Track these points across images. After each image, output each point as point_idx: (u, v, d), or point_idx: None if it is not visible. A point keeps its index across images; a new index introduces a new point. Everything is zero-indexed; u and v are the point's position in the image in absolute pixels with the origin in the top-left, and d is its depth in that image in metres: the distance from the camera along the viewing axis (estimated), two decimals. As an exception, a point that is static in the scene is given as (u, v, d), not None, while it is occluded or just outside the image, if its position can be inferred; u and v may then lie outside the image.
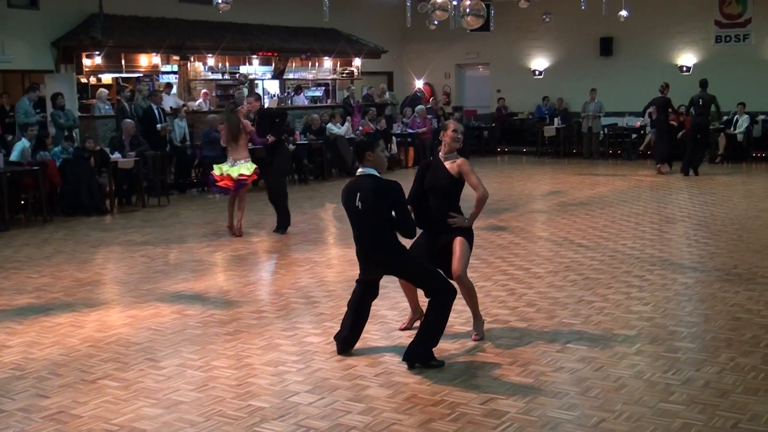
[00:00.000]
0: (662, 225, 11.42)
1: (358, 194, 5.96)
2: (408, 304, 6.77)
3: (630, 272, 8.59)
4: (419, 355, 5.79)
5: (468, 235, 6.43)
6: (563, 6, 20.46)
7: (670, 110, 17.81)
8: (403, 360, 5.83)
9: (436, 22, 14.99)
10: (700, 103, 16.98)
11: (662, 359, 5.84)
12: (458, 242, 6.31)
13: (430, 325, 5.88)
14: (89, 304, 7.86)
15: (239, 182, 10.99)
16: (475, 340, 6.37)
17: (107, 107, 16.97)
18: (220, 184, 11.09)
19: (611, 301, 7.48)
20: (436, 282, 5.96)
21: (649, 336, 6.40)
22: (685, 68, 21.51)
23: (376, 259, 6.01)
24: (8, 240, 11.38)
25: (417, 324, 6.53)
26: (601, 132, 21.54)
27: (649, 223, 11.58)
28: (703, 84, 16.97)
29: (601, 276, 8.46)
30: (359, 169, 6.11)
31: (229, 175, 10.99)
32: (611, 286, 8.04)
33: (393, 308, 7.40)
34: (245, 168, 11.04)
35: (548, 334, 6.49)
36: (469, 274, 8.51)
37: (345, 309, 7.01)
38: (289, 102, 21.51)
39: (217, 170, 11.16)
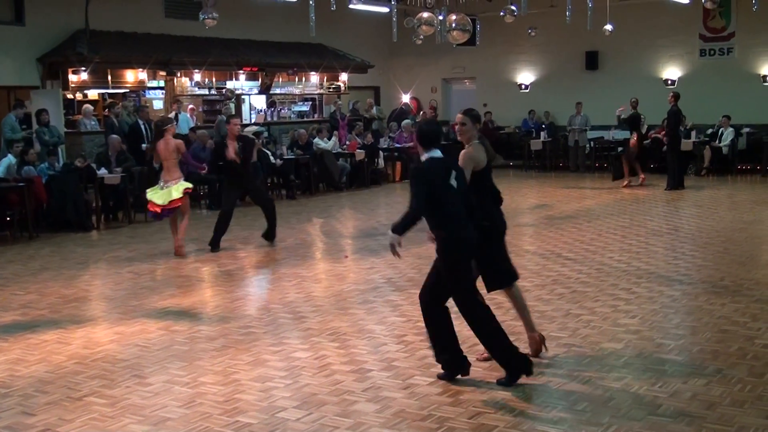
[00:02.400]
0: (649, 238, 11.46)
1: (453, 172, 5.76)
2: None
3: (617, 285, 8.62)
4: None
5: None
6: (548, 20, 20.58)
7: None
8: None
9: (422, 37, 15.05)
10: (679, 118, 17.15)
11: (649, 372, 5.85)
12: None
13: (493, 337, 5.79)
14: (76, 320, 7.81)
15: (167, 210, 10.76)
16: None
17: (93, 123, 16.96)
18: (150, 208, 10.89)
19: (598, 314, 7.49)
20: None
21: (636, 349, 6.41)
22: (670, 81, 21.63)
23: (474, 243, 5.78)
24: (-6, 257, 11.33)
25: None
26: (588, 145, 21.63)
27: (635, 236, 11.62)
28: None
29: (588, 289, 8.48)
30: (428, 154, 5.80)
31: (152, 201, 10.77)
32: (598, 299, 8.06)
33: (381, 323, 7.39)
34: (175, 190, 10.71)
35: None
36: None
37: (333, 324, 7.04)
38: (275, 117, 21.55)
39: (149, 193, 10.93)
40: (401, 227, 5.66)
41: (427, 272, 6.07)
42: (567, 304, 7.90)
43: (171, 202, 10.71)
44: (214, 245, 11.27)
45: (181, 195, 10.77)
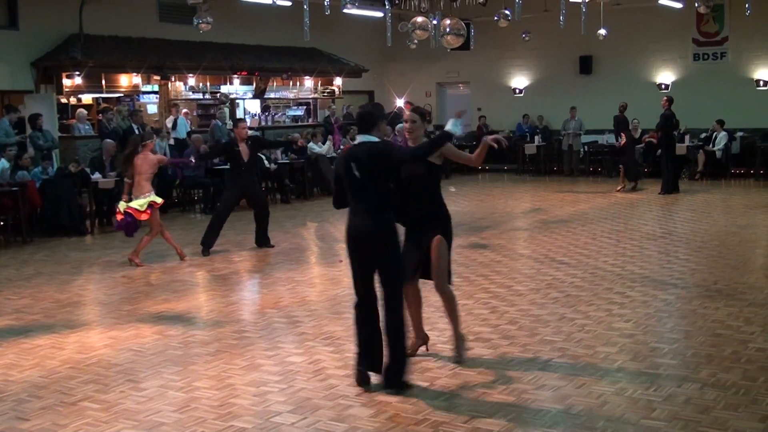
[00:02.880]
0: (643, 242, 11.48)
1: (354, 163, 5.67)
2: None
3: (611, 289, 8.63)
4: (400, 374, 5.70)
5: (446, 233, 6.25)
6: (542, 25, 20.61)
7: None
8: (388, 388, 5.67)
9: (416, 42, 15.08)
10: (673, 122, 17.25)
11: (644, 376, 5.86)
12: (435, 247, 6.13)
13: (399, 333, 5.71)
14: (69, 325, 7.80)
15: (128, 219, 10.43)
16: (456, 361, 6.27)
17: (87, 127, 16.92)
18: (118, 217, 10.62)
19: (593, 318, 7.50)
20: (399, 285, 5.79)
21: (630, 353, 6.42)
22: (663, 86, 21.68)
23: (369, 231, 5.64)
24: (-13, 261, 11.31)
25: (422, 349, 6.46)
26: (582, 150, 21.68)
27: (629, 240, 11.64)
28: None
29: (582, 293, 8.49)
30: (359, 137, 5.84)
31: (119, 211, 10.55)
32: (592, 303, 8.07)
33: (375, 327, 7.38)
34: (137, 203, 10.41)
35: (530, 352, 6.50)
36: (451, 293, 8.56)
37: (327, 328, 7.03)
38: (269, 122, 21.56)
39: (119, 205, 10.66)
40: None
41: None
42: (561, 308, 7.91)
43: (133, 210, 10.36)
44: (207, 246, 11.26)
45: (143, 209, 10.41)
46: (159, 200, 10.76)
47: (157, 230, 10.72)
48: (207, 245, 11.32)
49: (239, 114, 21.19)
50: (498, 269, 9.85)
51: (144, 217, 10.46)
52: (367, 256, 5.69)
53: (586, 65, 22.72)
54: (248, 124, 20.40)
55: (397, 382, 5.67)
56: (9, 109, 15.37)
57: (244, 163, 11.40)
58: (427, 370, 6.07)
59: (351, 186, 5.72)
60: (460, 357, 6.31)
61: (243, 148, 11.37)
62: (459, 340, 6.40)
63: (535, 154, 22.25)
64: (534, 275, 9.45)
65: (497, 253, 11.00)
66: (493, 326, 7.29)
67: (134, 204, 10.39)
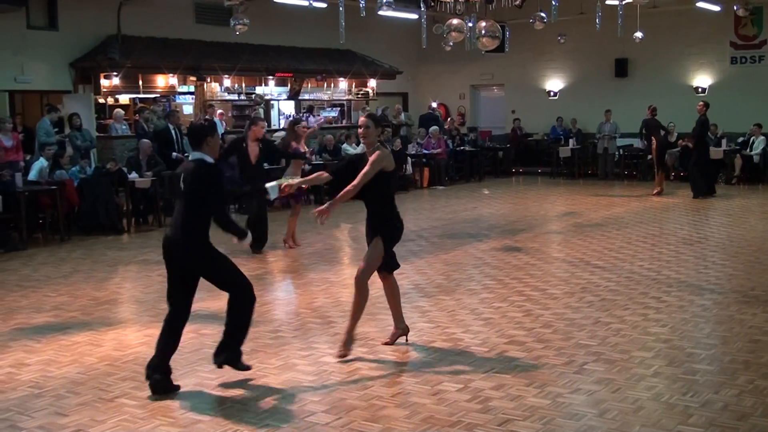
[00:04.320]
0: (679, 246, 11.38)
1: (182, 175, 5.91)
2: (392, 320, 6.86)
3: (647, 293, 8.57)
4: (228, 358, 6.01)
5: (385, 235, 6.56)
6: (578, 27, 20.51)
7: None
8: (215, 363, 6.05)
9: (451, 44, 15.06)
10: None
11: (680, 381, 5.81)
12: (372, 244, 6.56)
13: (236, 329, 6.01)
14: (107, 322, 7.90)
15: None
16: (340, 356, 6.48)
17: (124, 127, 17.10)
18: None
19: (628, 322, 7.45)
20: (236, 285, 6.02)
21: (666, 358, 6.37)
22: (700, 89, 21.48)
23: (176, 245, 5.85)
24: (27, 259, 11.46)
25: (401, 339, 6.75)
26: (617, 153, 21.54)
27: (665, 244, 11.55)
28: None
29: (617, 297, 8.43)
30: (192, 154, 6.03)
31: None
32: (628, 307, 8.01)
33: (409, 328, 7.39)
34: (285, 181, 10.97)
35: (565, 356, 6.47)
36: (485, 295, 8.58)
37: (361, 329, 7.02)
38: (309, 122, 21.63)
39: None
40: None
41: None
42: (596, 312, 7.86)
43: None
44: (258, 247, 11.20)
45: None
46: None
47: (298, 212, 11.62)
48: (258, 247, 11.23)
49: (273, 115, 21.33)
50: (532, 272, 9.81)
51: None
52: (176, 265, 5.92)
53: (621, 68, 22.59)
54: (282, 126, 20.61)
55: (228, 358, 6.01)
56: (50, 108, 15.57)
57: (250, 164, 11.20)
58: (461, 372, 6.07)
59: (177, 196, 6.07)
60: (345, 353, 6.51)
61: (252, 148, 11.18)
62: (349, 339, 6.58)
63: (569, 157, 22.13)
64: (568, 279, 9.41)
65: (531, 256, 10.96)
66: (527, 329, 7.27)
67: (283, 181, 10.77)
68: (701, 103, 17.26)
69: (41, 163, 13.52)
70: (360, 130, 6.56)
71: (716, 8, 19.14)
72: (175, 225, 5.93)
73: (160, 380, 5.77)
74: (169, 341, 5.89)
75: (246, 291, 6.02)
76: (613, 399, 5.48)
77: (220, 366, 6.05)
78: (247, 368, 6.10)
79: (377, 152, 6.50)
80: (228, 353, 6.03)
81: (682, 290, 8.70)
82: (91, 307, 8.53)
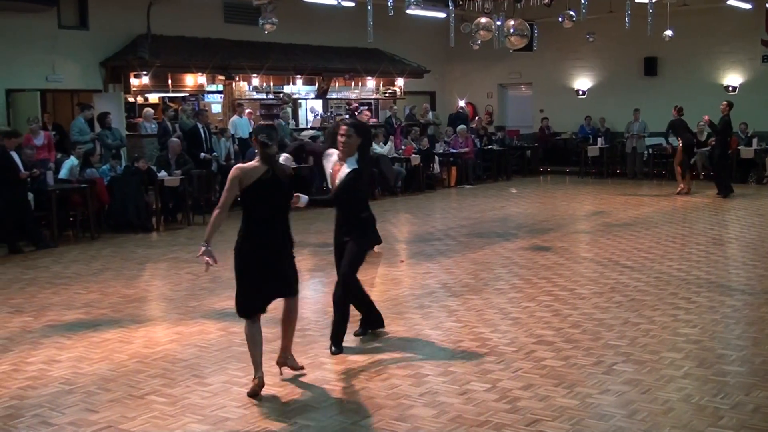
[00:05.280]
0: (709, 246, 11.28)
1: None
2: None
3: (676, 294, 8.50)
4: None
5: (360, 239, 6.66)
6: (607, 26, 20.37)
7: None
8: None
9: (479, 42, 15.02)
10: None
11: (711, 383, 5.76)
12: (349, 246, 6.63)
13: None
14: (136, 320, 7.96)
15: None
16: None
17: (153, 126, 17.22)
18: None
19: (657, 323, 7.40)
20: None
21: (696, 359, 6.32)
22: (731, 88, 21.27)
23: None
24: (58, 256, 11.58)
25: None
26: (646, 152, 21.38)
27: (695, 244, 11.45)
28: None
29: (647, 297, 8.37)
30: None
31: None
32: (657, 307, 7.96)
33: (436, 328, 7.40)
34: None
35: (594, 356, 6.43)
36: (513, 295, 8.56)
37: (389, 328, 7.04)
38: (332, 121, 21.67)
39: None
40: None
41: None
42: (625, 312, 7.81)
43: None
44: None
45: None
46: None
47: None
48: None
49: (301, 114, 21.40)
50: (560, 272, 9.77)
51: None
52: None
53: (650, 67, 22.42)
54: (311, 125, 20.71)
55: None
56: (84, 107, 15.72)
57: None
58: (489, 372, 6.06)
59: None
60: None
61: None
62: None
63: (597, 156, 22.00)
64: (597, 279, 9.36)
65: (560, 255, 10.91)
66: (555, 329, 7.24)
67: None
68: (724, 102, 17.14)
69: (72, 161, 13.66)
70: (340, 138, 6.56)
71: (747, 6, 18.94)
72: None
73: None
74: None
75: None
76: (643, 400, 5.45)
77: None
78: (301, 368, 6.25)
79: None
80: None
81: (712, 291, 8.63)
82: (121, 305, 8.60)
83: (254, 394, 5.67)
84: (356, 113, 11.58)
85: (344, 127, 6.59)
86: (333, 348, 6.68)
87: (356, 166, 6.60)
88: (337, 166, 6.65)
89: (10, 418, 5.40)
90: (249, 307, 5.89)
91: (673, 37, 18.42)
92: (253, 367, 5.76)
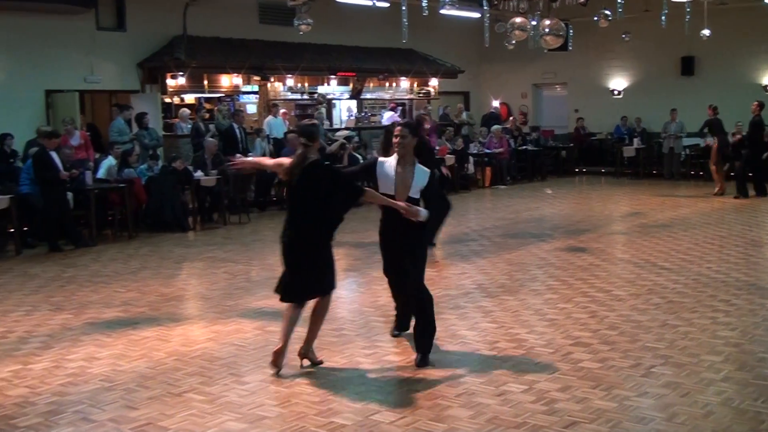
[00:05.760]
0: (748, 248, 11.15)
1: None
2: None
3: (715, 296, 8.41)
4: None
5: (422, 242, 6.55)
6: (643, 25, 20.20)
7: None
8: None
9: (513, 42, 14.95)
10: None
11: (751, 386, 5.69)
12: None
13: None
14: (174, 318, 8.04)
15: None
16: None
17: (189, 126, 17.36)
18: None
19: (696, 325, 7.32)
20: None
21: (737, 362, 6.24)
22: (769, 88, 21.01)
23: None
24: (96, 255, 11.72)
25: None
26: (683, 153, 21.17)
27: (734, 246, 11.31)
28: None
29: (685, 300, 8.29)
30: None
31: None
32: (696, 310, 7.87)
33: (472, 329, 7.39)
34: None
35: (632, 358, 6.38)
36: (549, 296, 8.52)
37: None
38: (366, 121, 21.72)
39: None
40: None
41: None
42: (663, 314, 7.74)
43: None
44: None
45: None
46: None
47: None
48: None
49: (335, 114, 21.44)
50: (597, 273, 9.71)
51: None
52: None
53: (688, 66, 22.19)
54: (345, 125, 20.76)
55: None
56: (123, 107, 15.89)
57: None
58: (526, 373, 6.04)
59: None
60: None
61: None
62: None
63: (633, 157, 21.82)
64: (634, 280, 9.28)
65: (596, 256, 10.84)
66: (592, 331, 7.19)
67: None
68: (755, 103, 16.97)
69: (110, 161, 13.81)
70: (395, 140, 6.31)
71: (787, 4, 18.68)
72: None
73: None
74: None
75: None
76: (682, 403, 5.40)
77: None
78: (319, 362, 6.37)
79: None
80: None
81: (752, 293, 8.52)
82: (158, 303, 8.69)
83: (275, 363, 6.16)
84: (423, 110, 11.75)
85: (399, 128, 6.42)
86: (419, 361, 6.36)
87: (424, 168, 6.42)
88: (399, 170, 6.36)
89: (51, 414, 5.48)
90: (286, 294, 6.29)
91: (710, 36, 18.21)
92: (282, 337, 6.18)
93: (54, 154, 12.10)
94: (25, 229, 12.44)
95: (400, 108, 22.61)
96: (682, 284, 9.00)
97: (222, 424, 5.24)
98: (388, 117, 20.94)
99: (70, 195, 12.55)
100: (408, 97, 22.96)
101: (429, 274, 9.93)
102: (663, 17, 15.85)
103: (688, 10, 15.73)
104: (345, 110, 21.91)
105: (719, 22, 19.24)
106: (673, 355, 6.46)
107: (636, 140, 21.78)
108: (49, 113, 16.09)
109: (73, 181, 12.56)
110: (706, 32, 17.97)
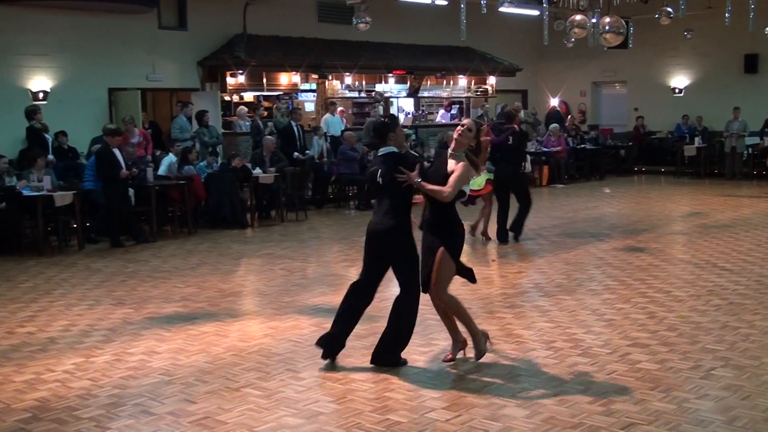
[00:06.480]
0: (813, 250, 10.90)
1: (380, 170, 6.24)
2: (448, 334, 6.54)
3: (778, 298, 8.25)
4: (388, 362, 6.27)
5: (450, 246, 6.24)
6: (706, 22, 19.85)
7: None
8: (372, 363, 6.30)
9: (573, 40, 14.82)
10: None
11: (816, 391, 5.58)
12: (440, 253, 6.20)
13: (399, 331, 6.29)
14: (232, 314, 8.14)
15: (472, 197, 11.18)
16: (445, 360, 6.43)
17: (248, 124, 17.55)
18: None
19: (758, 327, 7.18)
20: (416, 281, 6.27)
21: (800, 366, 6.12)
22: (837, 86, 20.50)
23: (382, 233, 6.19)
24: (156, 251, 11.92)
25: (461, 354, 6.49)
26: (745, 152, 20.75)
27: (798, 247, 11.08)
28: None
29: (746, 301, 8.14)
30: (381, 150, 6.36)
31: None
32: (758, 312, 7.72)
33: (529, 328, 7.35)
34: (475, 183, 11.10)
35: (691, 360, 6.29)
36: (606, 296, 8.43)
37: (481, 327, 7.00)
38: (423, 119, 21.72)
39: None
40: None
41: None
42: (724, 316, 7.61)
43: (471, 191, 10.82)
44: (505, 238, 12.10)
45: (480, 187, 11.57)
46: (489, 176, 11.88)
47: (490, 205, 12.08)
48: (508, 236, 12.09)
49: (394, 112, 21.47)
50: (656, 273, 9.58)
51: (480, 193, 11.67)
52: (376, 251, 6.27)
53: (751, 64, 21.74)
54: (402, 123, 20.75)
55: (380, 359, 6.29)
56: (184, 105, 16.14)
57: None
58: (583, 374, 5.99)
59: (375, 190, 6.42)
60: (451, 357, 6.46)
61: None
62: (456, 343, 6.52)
63: (694, 156, 21.46)
64: (694, 281, 9.14)
65: (655, 257, 10.69)
66: (651, 332, 7.10)
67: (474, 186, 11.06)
68: None
69: (170, 158, 14.04)
70: (459, 128, 6.23)
71: None
72: (381, 216, 6.22)
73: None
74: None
75: (416, 297, 6.35)
76: (743, 406, 5.30)
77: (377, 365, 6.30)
78: (404, 363, 6.33)
79: (466, 165, 6.19)
80: (388, 356, 6.33)
81: (816, 296, 8.34)
82: (217, 299, 8.81)
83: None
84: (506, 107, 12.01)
85: (468, 121, 6.40)
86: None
87: (468, 165, 6.25)
88: (451, 162, 6.26)
89: (112, 406, 5.60)
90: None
91: (776, 33, 17.82)
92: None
93: (117, 152, 12.34)
94: (88, 224, 12.70)
95: (456, 106, 22.55)
96: (744, 285, 8.84)
97: (278, 419, 5.29)
98: (440, 116, 20.90)
99: (131, 191, 12.78)
100: (465, 95, 22.89)
101: (486, 272, 9.95)
102: (727, 14, 15.54)
103: (753, 6, 15.38)
104: (406, 107, 21.92)
105: (785, 19, 18.79)
106: (734, 357, 6.35)
107: (697, 139, 21.41)
108: (112, 111, 16.41)
109: (134, 179, 12.79)
110: (772, 29, 17.59)
